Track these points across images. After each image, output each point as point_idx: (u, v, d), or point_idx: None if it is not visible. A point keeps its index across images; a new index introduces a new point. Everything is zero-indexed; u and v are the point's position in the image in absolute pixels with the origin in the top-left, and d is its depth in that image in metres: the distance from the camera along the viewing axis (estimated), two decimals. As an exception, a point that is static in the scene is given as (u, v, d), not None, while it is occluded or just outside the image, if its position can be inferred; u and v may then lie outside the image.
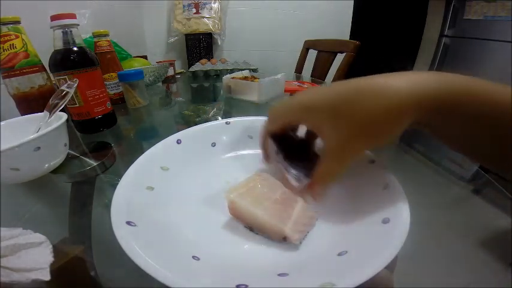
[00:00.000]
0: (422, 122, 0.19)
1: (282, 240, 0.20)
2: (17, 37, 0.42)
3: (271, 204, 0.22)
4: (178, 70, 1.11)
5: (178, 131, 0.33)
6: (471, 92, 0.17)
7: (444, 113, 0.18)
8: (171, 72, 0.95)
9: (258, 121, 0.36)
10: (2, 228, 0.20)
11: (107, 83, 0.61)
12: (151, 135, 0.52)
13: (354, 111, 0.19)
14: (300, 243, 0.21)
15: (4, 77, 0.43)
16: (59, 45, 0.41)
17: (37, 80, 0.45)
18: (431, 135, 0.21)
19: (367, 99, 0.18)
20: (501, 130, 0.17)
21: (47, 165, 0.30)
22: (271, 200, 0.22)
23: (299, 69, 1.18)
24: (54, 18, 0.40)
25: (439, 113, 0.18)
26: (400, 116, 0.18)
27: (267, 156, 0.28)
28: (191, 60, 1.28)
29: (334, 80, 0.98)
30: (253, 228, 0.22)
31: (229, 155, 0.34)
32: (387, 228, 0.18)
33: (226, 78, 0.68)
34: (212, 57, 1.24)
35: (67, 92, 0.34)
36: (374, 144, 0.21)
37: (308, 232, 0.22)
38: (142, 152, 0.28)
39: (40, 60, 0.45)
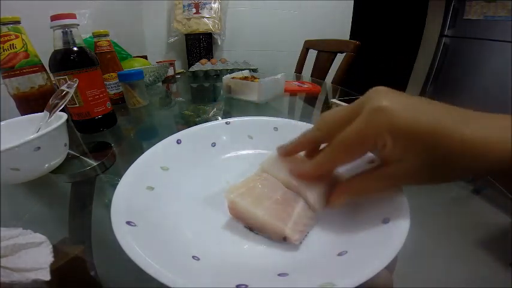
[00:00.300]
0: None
1: (282, 240, 0.20)
2: (17, 37, 0.42)
3: (271, 204, 0.22)
4: (178, 70, 1.11)
5: (178, 131, 0.33)
6: None
7: None
8: (171, 72, 0.95)
9: (258, 121, 0.36)
10: (2, 228, 0.20)
11: (107, 83, 0.61)
12: (151, 135, 0.52)
13: (449, 149, 0.16)
14: (300, 243, 0.20)
15: (4, 77, 0.43)
16: (59, 45, 0.41)
17: (37, 80, 0.45)
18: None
19: (463, 143, 0.16)
20: None
21: (47, 165, 0.30)
22: (272, 200, 0.22)
23: (299, 69, 1.18)
24: (54, 18, 0.40)
25: None
26: (485, 172, 0.17)
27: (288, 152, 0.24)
28: (191, 60, 1.28)
29: (334, 80, 0.98)
30: (253, 228, 0.22)
31: (229, 155, 0.34)
32: (387, 228, 0.18)
33: (226, 78, 0.68)
34: (212, 57, 1.24)
35: (67, 92, 0.34)
36: (441, 182, 0.19)
37: (308, 232, 0.22)
38: (142, 152, 0.28)
39: (40, 60, 0.45)
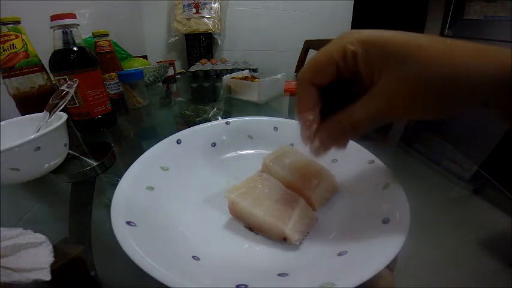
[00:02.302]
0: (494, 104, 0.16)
1: (282, 240, 0.20)
2: (17, 37, 0.42)
3: (271, 204, 0.22)
4: (178, 70, 1.12)
5: (178, 131, 0.33)
6: None
7: None
8: (171, 72, 0.95)
9: (258, 121, 0.36)
10: (2, 228, 0.20)
11: (107, 83, 0.61)
12: (151, 135, 0.52)
13: (430, 62, 0.15)
14: (300, 243, 0.20)
15: (4, 77, 0.43)
16: (59, 45, 0.41)
17: (37, 80, 0.45)
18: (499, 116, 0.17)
19: (455, 56, 0.15)
20: None
21: (47, 165, 0.30)
22: (272, 200, 0.22)
23: (299, 69, 1.18)
24: (54, 18, 0.40)
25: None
26: (486, 94, 0.15)
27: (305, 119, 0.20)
28: (191, 60, 1.28)
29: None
30: (253, 228, 0.22)
31: (229, 155, 0.34)
32: (387, 228, 0.18)
33: (226, 78, 0.68)
34: (212, 57, 1.24)
35: (67, 92, 0.34)
36: (435, 112, 0.17)
37: (308, 232, 0.22)
38: (142, 152, 0.28)
39: (40, 60, 0.45)
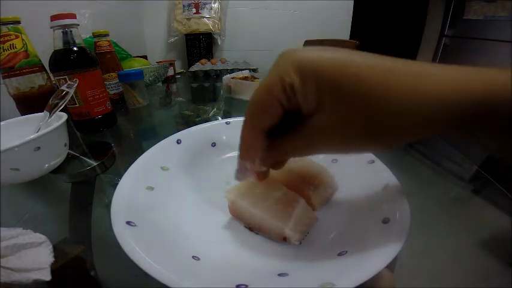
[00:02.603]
0: (456, 132, 0.15)
1: (282, 240, 0.20)
2: (17, 37, 0.42)
3: (271, 204, 0.22)
4: (178, 70, 1.12)
5: (178, 131, 0.33)
6: None
7: (486, 124, 0.14)
8: (171, 72, 0.95)
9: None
10: (2, 228, 0.20)
11: (107, 83, 0.61)
12: (151, 135, 0.52)
13: (370, 89, 0.14)
14: (300, 243, 0.20)
15: (4, 77, 0.43)
16: (59, 45, 0.41)
17: (37, 80, 0.45)
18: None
19: (400, 89, 0.13)
20: None
21: (47, 165, 0.30)
22: (272, 200, 0.22)
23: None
24: (54, 18, 0.40)
25: (480, 123, 0.13)
26: (433, 125, 0.14)
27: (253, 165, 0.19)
28: (191, 60, 1.28)
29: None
30: (253, 228, 0.22)
31: (229, 155, 0.34)
32: (387, 228, 0.18)
33: (226, 78, 0.68)
34: (212, 57, 1.24)
35: (67, 92, 0.34)
36: (380, 148, 0.16)
37: (308, 232, 0.22)
38: (142, 152, 0.28)
39: (40, 60, 0.45)
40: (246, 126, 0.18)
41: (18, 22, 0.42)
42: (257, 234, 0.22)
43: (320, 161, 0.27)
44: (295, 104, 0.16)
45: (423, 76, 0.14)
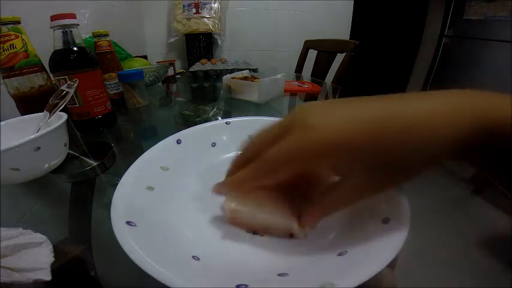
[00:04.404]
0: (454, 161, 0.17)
1: (289, 237, 0.20)
2: (17, 37, 0.42)
3: (273, 202, 0.21)
4: (178, 70, 1.12)
5: (178, 131, 0.33)
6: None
7: (482, 151, 0.15)
8: (171, 72, 0.95)
9: (258, 121, 0.36)
10: (2, 228, 0.20)
11: (107, 83, 0.61)
12: (151, 135, 0.52)
13: (391, 153, 0.15)
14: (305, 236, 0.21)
15: (4, 77, 0.43)
16: (59, 45, 0.41)
17: (37, 80, 0.45)
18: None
19: (402, 141, 0.15)
20: None
21: (47, 165, 0.30)
22: (272, 197, 0.22)
23: (299, 69, 1.18)
24: (54, 18, 0.40)
25: (476, 151, 0.15)
26: (434, 161, 0.16)
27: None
28: (191, 60, 1.28)
29: (334, 80, 0.98)
30: (258, 231, 0.22)
31: (229, 155, 0.34)
32: (387, 228, 0.18)
33: (226, 78, 0.68)
34: (212, 57, 1.24)
35: (67, 92, 0.34)
36: (397, 185, 0.18)
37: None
38: (142, 152, 0.28)
39: (40, 60, 0.45)
40: (251, 174, 0.19)
41: (18, 22, 0.42)
42: (262, 236, 0.22)
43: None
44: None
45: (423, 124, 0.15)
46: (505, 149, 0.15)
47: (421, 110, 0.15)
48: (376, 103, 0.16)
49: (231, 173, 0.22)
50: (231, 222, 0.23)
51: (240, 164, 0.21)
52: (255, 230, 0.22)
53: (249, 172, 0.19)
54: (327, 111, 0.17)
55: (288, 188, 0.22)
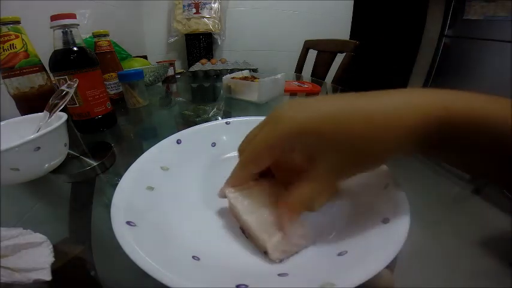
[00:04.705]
0: (419, 150, 0.18)
1: (263, 253, 0.19)
2: (17, 37, 0.42)
3: (265, 213, 0.21)
4: (178, 70, 1.12)
5: (178, 131, 0.33)
6: (474, 115, 0.16)
7: (445, 141, 0.17)
8: (171, 72, 0.95)
9: (258, 121, 0.36)
10: (2, 228, 0.20)
11: (107, 83, 0.61)
12: (151, 135, 0.52)
13: (353, 138, 0.17)
14: (281, 261, 0.19)
15: (4, 77, 0.43)
16: (59, 45, 0.41)
17: (37, 80, 0.45)
18: (439, 159, 0.20)
19: (360, 130, 0.17)
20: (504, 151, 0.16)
21: (47, 165, 0.30)
22: (268, 208, 0.21)
23: (299, 69, 1.18)
24: (54, 18, 0.40)
25: (440, 140, 0.17)
26: (393, 148, 0.17)
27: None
28: (191, 60, 1.28)
29: (334, 80, 0.98)
30: (244, 232, 0.22)
31: (229, 155, 0.34)
32: (387, 228, 0.18)
33: (226, 78, 0.68)
34: (212, 57, 1.24)
35: (67, 92, 0.34)
36: (366, 169, 0.19)
37: (296, 253, 0.20)
38: (142, 152, 0.28)
39: (40, 60, 0.45)
40: (240, 167, 0.22)
41: (18, 22, 0.42)
42: (247, 238, 0.21)
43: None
44: (289, 158, 0.20)
45: (391, 112, 0.17)
46: (465, 141, 0.16)
47: (378, 103, 0.17)
48: (342, 99, 0.18)
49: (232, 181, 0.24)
50: (229, 210, 0.23)
51: (238, 181, 0.23)
52: (243, 230, 0.22)
53: (239, 164, 0.22)
54: (298, 106, 0.19)
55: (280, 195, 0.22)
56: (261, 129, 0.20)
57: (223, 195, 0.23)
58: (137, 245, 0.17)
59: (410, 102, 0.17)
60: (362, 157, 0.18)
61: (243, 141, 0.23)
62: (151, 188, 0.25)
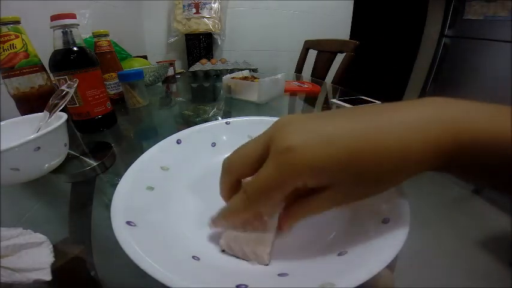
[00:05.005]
0: (433, 169, 0.17)
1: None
2: (17, 37, 0.42)
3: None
4: (178, 70, 1.12)
5: (178, 131, 0.33)
6: (484, 139, 0.15)
7: (461, 163, 0.16)
8: (171, 72, 0.95)
9: (258, 121, 0.36)
10: (2, 228, 0.20)
11: (107, 83, 0.61)
12: (151, 135, 0.52)
13: (367, 167, 0.16)
14: (224, 251, 0.20)
15: (4, 77, 0.43)
16: (59, 45, 0.41)
17: (37, 80, 0.45)
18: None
19: (375, 162, 0.16)
20: None
21: (47, 165, 0.30)
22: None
23: (299, 69, 1.18)
24: (54, 18, 0.40)
25: (455, 162, 0.16)
26: (414, 167, 0.16)
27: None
28: (191, 60, 1.28)
29: (334, 80, 0.98)
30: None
31: (229, 155, 0.34)
32: (387, 228, 0.18)
33: (226, 78, 0.68)
34: (212, 57, 1.24)
35: (67, 92, 0.34)
36: (374, 194, 0.19)
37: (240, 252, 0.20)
38: (142, 152, 0.28)
39: (40, 60, 0.45)
40: (243, 206, 0.19)
41: (18, 22, 0.42)
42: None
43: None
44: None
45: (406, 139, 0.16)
46: (474, 165, 0.16)
47: (391, 129, 0.16)
48: (350, 121, 0.17)
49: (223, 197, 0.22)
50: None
51: (228, 188, 0.21)
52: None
53: (236, 205, 0.19)
54: (303, 129, 0.17)
55: None
56: (258, 154, 0.18)
57: (215, 226, 0.21)
58: (137, 245, 0.17)
59: (420, 130, 0.16)
60: (379, 185, 0.17)
61: (230, 156, 0.21)
62: (151, 188, 0.25)
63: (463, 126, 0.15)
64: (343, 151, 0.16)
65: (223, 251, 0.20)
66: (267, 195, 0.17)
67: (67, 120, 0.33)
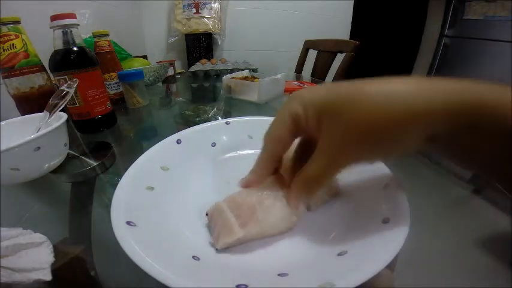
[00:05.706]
0: (436, 138, 0.16)
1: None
2: (17, 37, 0.42)
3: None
4: (178, 70, 1.12)
5: (178, 131, 0.33)
6: (494, 102, 0.14)
7: (464, 128, 0.15)
8: (171, 72, 0.95)
9: (258, 121, 0.36)
10: (2, 228, 0.20)
11: (107, 83, 0.61)
12: (151, 135, 0.52)
13: (355, 113, 0.16)
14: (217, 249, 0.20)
15: (4, 77, 0.43)
16: (59, 45, 0.41)
17: (37, 80, 0.45)
18: (441, 153, 0.19)
19: (372, 100, 0.16)
20: None
21: (47, 165, 0.30)
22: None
23: (299, 69, 1.18)
24: (54, 18, 0.40)
25: (458, 127, 0.15)
26: (409, 125, 0.16)
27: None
28: (191, 60, 1.28)
29: (334, 80, 0.98)
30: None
31: (229, 155, 0.34)
32: (387, 228, 0.18)
33: (226, 78, 0.68)
34: (212, 57, 1.24)
35: (67, 92, 0.34)
36: (377, 155, 0.18)
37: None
38: (142, 152, 0.28)
39: (40, 60, 0.45)
40: (262, 152, 0.22)
41: (18, 22, 0.42)
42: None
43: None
44: (303, 130, 0.20)
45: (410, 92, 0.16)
46: (489, 126, 0.15)
47: (397, 87, 0.16)
48: (355, 84, 0.17)
49: (253, 171, 0.23)
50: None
51: (262, 165, 0.23)
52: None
53: (261, 150, 0.22)
54: (314, 87, 0.20)
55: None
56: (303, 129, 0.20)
57: (244, 186, 0.23)
58: (137, 245, 0.17)
59: (427, 88, 0.16)
60: (373, 138, 0.17)
61: (267, 142, 0.22)
62: (151, 188, 0.25)
63: (471, 88, 0.15)
64: (335, 96, 0.18)
65: (206, 214, 0.23)
66: (272, 134, 0.22)
67: (67, 120, 0.33)
